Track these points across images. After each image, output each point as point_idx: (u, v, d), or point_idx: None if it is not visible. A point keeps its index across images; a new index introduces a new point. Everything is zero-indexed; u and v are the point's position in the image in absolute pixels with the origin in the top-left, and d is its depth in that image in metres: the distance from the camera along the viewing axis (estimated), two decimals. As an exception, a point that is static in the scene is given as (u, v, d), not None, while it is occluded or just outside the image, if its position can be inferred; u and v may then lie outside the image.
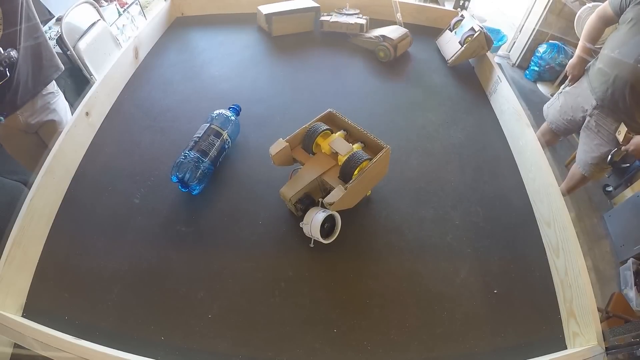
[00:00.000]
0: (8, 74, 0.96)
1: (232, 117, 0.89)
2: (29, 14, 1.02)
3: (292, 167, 0.78)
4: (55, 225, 0.76)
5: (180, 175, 0.76)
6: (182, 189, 0.79)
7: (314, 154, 0.76)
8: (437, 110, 1.06)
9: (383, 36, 1.21)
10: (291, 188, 0.71)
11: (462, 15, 1.24)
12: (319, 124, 0.75)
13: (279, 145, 0.72)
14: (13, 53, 0.95)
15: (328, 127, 0.75)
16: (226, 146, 0.86)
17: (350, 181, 0.67)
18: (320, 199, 0.71)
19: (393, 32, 1.22)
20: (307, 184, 0.71)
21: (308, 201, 0.74)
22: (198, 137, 0.82)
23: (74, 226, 0.76)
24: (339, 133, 0.76)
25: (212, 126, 0.84)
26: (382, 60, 1.22)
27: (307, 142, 0.74)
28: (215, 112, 0.88)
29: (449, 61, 1.20)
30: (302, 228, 0.71)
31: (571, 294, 0.66)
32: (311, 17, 1.32)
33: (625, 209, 1.90)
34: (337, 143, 0.72)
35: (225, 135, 0.84)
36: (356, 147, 0.72)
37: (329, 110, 0.78)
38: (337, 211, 0.71)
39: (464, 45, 1.15)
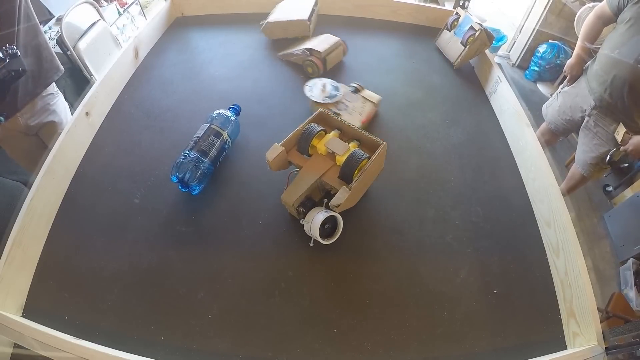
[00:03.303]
0: (21, 69, 0.95)
1: (232, 117, 0.89)
2: (28, 15, 1.02)
3: (288, 169, 0.78)
4: (55, 225, 0.76)
5: (180, 175, 0.76)
6: (182, 189, 0.79)
7: (309, 155, 0.75)
8: (437, 110, 1.06)
9: (309, 49, 1.09)
10: (292, 194, 0.70)
11: (456, 14, 1.24)
12: (313, 125, 0.74)
13: (275, 150, 0.71)
14: (10, 48, 0.94)
15: (322, 128, 0.74)
16: (226, 146, 0.86)
17: (353, 181, 0.67)
18: (325, 200, 0.71)
19: (322, 43, 1.11)
20: (307, 188, 0.70)
21: (310, 203, 0.73)
22: (198, 137, 0.82)
23: (74, 226, 0.76)
24: (333, 133, 0.76)
25: (212, 126, 0.84)
26: (311, 76, 1.10)
27: (303, 144, 0.73)
28: (215, 112, 0.88)
29: (455, 64, 1.20)
30: (302, 226, 0.71)
31: (571, 294, 0.66)
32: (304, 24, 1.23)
33: (625, 209, 1.90)
34: (334, 143, 0.71)
35: (225, 135, 0.84)
36: (352, 145, 0.72)
37: (319, 110, 0.78)
38: (337, 211, 0.71)
39: (467, 47, 1.15)
